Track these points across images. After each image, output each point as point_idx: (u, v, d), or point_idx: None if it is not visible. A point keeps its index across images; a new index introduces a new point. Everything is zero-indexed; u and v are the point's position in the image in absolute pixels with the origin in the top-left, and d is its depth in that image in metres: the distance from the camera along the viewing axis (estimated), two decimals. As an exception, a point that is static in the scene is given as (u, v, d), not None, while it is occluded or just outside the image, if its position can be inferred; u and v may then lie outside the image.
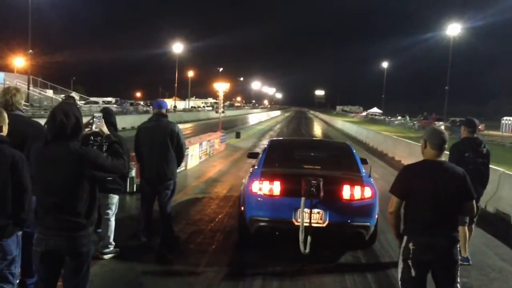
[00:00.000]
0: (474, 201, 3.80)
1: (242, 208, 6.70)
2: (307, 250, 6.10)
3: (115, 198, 5.94)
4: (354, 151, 7.76)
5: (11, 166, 3.37)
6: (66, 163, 3.26)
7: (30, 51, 37.50)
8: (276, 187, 6.38)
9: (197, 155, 15.37)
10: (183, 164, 11.67)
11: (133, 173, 9.75)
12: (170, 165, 6.55)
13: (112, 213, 5.94)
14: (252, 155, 9.11)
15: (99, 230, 6.03)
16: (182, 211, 8.57)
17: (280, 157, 7.60)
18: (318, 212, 6.22)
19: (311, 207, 6.12)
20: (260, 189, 6.42)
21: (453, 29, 49.26)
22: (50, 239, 3.27)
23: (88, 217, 3.36)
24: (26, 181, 3.41)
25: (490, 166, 6.57)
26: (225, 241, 6.94)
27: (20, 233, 3.57)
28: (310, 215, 6.13)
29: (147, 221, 6.66)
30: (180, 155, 6.76)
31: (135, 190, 9.74)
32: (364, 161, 7.77)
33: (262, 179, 6.48)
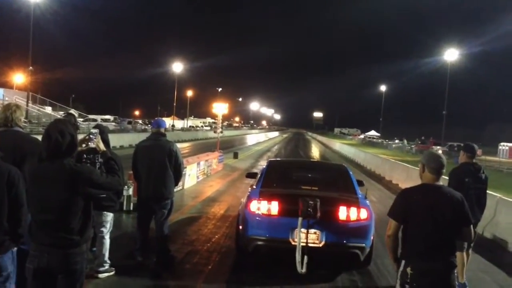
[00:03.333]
0: (471, 226, 3.80)
1: (240, 227, 6.78)
2: (304, 270, 6.12)
3: (109, 216, 5.91)
4: (351, 172, 7.91)
5: (8, 182, 3.37)
6: (61, 180, 3.25)
7: (30, 68, 37.67)
8: (274, 207, 6.47)
9: (194, 175, 15.36)
10: (180, 183, 11.67)
11: (130, 191, 9.72)
12: (167, 185, 6.54)
13: (106, 231, 5.90)
14: (251, 175, 9.27)
15: (94, 249, 5.99)
16: (178, 230, 8.52)
17: (279, 177, 7.70)
18: (315, 232, 6.29)
19: (308, 227, 6.20)
20: (258, 209, 6.51)
21: (451, 55, 49.75)
22: (43, 256, 3.25)
23: (82, 234, 3.34)
24: (23, 197, 3.41)
25: (488, 191, 6.58)
26: (222, 262, 6.89)
27: (15, 249, 3.55)
28: (307, 235, 6.20)
29: (143, 240, 6.61)
30: (178, 175, 6.75)
31: (131, 208, 9.71)
32: (360, 183, 7.92)
33: (261, 198, 6.58)
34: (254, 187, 7.32)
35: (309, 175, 8.32)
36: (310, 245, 6.21)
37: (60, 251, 3.26)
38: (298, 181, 7.81)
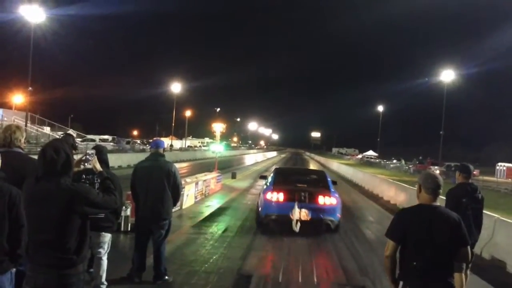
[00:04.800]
0: (469, 247, 3.80)
1: (260, 209, 11.22)
2: (297, 230, 10.30)
3: (107, 237, 5.88)
4: (327, 175, 12.54)
5: (9, 203, 3.38)
6: (57, 200, 3.25)
7: (30, 88, 37.74)
8: (280, 196, 10.81)
9: (192, 195, 15.32)
10: (178, 203, 11.65)
11: (128, 212, 9.70)
12: (165, 205, 6.55)
13: (104, 252, 5.86)
14: (263, 177, 15.58)
15: (91, 270, 5.96)
16: (176, 251, 8.49)
17: (283, 178, 12.24)
18: (305, 211, 10.50)
19: (301, 208, 10.43)
20: (271, 197, 10.84)
21: (447, 75, 50.03)
22: (40, 277, 3.24)
23: (79, 254, 3.33)
24: (23, 217, 3.41)
25: (485, 212, 6.60)
26: (220, 283, 6.85)
27: (14, 270, 3.55)
28: (300, 213, 10.41)
29: (140, 261, 6.59)
30: (176, 195, 6.77)
31: (129, 229, 9.68)
32: (334, 183, 12.39)
33: (273, 191, 10.94)
34: (268, 184, 11.84)
35: (301, 177, 12.75)
36: (302, 219, 10.41)
37: (57, 272, 3.25)
38: (294, 181, 12.02)
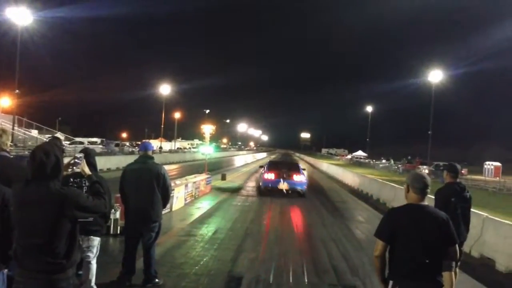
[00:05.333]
0: (457, 246, 3.83)
1: (260, 183, 20.70)
2: (285, 192, 19.18)
3: (96, 240, 5.82)
4: (300, 165, 23.23)
5: (2, 204, 3.37)
6: (47, 203, 3.21)
7: (17, 91, 37.39)
8: (272, 175, 19.86)
9: (182, 197, 15.28)
10: (168, 205, 11.60)
11: (118, 215, 9.65)
12: (155, 207, 6.51)
13: (93, 256, 5.81)
14: (261, 166, 24.53)
15: (80, 273, 5.91)
16: (166, 253, 8.45)
17: (274, 165, 21.54)
18: (286, 184, 19.32)
19: (284, 182, 19.33)
20: (267, 176, 19.96)
21: (435, 76, 50.34)
22: (29, 282, 3.20)
23: (68, 258, 3.29)
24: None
25: (474, 210, 6.65)
26: (210, 285, 6.83)
27: (5, 271, 3.52)
28: (283, 184, 19.27)
29: (130, 264, 6.55)
30: (165, 197, 6.74)
31: (119, 232, 9.62)
32: (304, 169, 22.13)
33: (268, 173, 20.18)
34: (265, 169, 21.11)
35: (285, 165, 22.20)
36: (285, 189, 19.17)
37: (46, 276, 3.22)
38: (281, 167, 20.81)
